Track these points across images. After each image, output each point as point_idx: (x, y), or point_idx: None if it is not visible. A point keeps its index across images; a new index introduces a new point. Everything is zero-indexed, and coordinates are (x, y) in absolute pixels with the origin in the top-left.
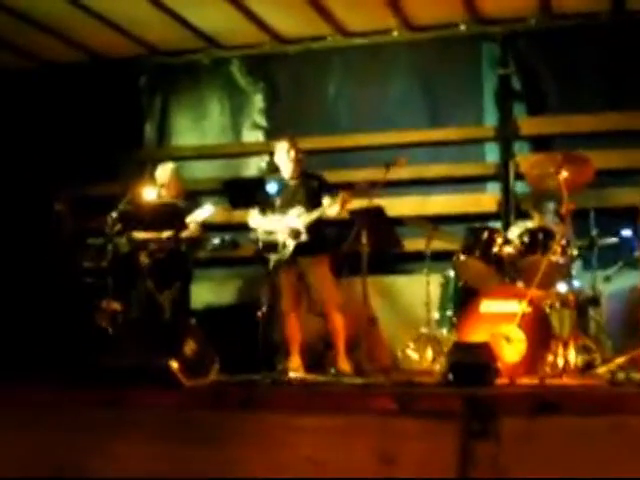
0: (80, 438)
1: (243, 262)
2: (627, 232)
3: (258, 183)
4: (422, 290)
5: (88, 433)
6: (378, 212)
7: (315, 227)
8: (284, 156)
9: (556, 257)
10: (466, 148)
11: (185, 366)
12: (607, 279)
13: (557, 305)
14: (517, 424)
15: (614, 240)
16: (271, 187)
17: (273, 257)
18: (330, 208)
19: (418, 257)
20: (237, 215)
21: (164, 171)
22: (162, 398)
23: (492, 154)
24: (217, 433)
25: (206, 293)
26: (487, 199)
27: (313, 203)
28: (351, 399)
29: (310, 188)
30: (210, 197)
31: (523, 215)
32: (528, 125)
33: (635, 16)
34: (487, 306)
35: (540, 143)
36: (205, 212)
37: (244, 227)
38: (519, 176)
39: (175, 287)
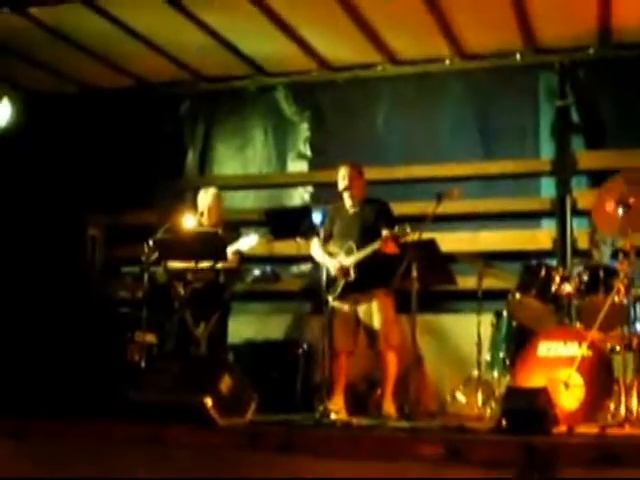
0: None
1: (284, 297)
2: None
3: (303, 212)
4: (472, 330)
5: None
6: (430, 245)
7: (372, 260)
8: (340, 182)
9: (620, 297)
10: (521, 182)
11: (220, 404)
12: None
13: (618, 349)
14: (578, 475)
15: None
16: (316, 217)
17: (326, 293)
18: (379, 246)
19: (468, 296)
20: (278, 246)
21: (206, 196)
22: (195, 437)
23: (548, 189)
24: (253, 476)
25: (245, 328)
26: (542, 235)
27: (369, 235)
28: (398, 444)
29: (367, 219)
30: (250, 228)
31: (579, 254)
32: (586, 159)
33: None
34: (545, 349)
35: (599, 178)
36: (251, 240)
37: (285, 259)
38: (576, 212)
39: (212, 320)
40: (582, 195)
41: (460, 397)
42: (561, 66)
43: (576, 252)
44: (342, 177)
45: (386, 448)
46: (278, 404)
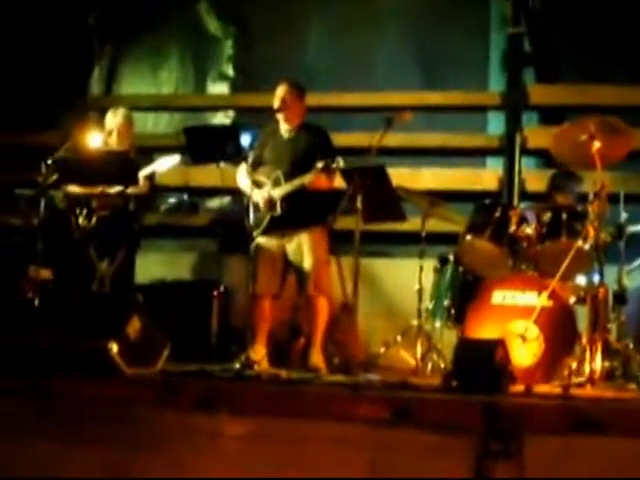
0: None
1: (198, 232)
2: None
3: (229, 132)
4: (409, 276)
5: (5, 430)
6: (379, 173)
7: (307, 193)
8: (275, 102)
9: (590, 242)
10: (466, 116)
11: (128, 350)
12: (628, 274)
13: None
14: (547, 445)
15: None
16: (245, 138)
17: (250, 228)
18: (309, 180)
19: (406, 238)
20: (195, 175)
21: (115, 116)
22: (98, 389)
23: (495, 125)
24: (166, 438)
25: (153, 267)
26: (487, 175)
27: (303, 165)
28: (336, 402)
29: (302, 147)
30: (162, 155)
31: (528, 196)
32: (538, 93)
33: None
34: (500, 297)
35: (551, 115)
36: (171, 160)
37: (202, 191)
38: (526, 151)
39: (119, 255)
40: (533, 132)
41: (397, 349)
42: None
43: (525, 194)
44: (278, 96)
45: (322, 406)
46: (191, 352)
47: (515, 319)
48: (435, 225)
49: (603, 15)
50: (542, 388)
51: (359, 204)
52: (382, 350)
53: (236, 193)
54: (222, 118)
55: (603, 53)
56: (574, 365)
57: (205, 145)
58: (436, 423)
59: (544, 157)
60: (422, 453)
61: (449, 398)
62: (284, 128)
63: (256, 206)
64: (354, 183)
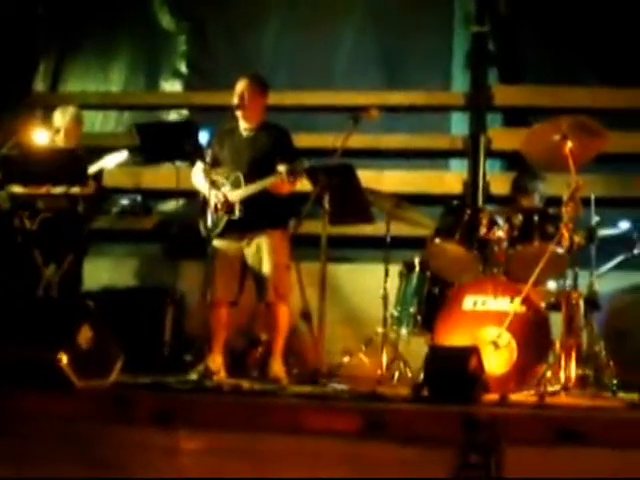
0: None
1: (149, 236)
2: (625, 224)
3: (186, 129)
4: (371, 282)
5: None
6: (347, 172)
7: (265, 197)
8: (235, 98)
9: (564, 245)
10: (429, 117)
11: (79, 361)
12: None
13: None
14: (528, 456)
15: (617, 232)
16: (203, 136)
17: (206, 231)
18: (271, 183)
19: (371, 242)
20: (147, 176)
21: (64, 114)
22: (46, 403)
23: (459, 126)
24: (120, 455)
25: (102, 271)
26: (450, 178)
27: (263, 167)
28: (305, 415)
29: (262, 147)
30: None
31: (492, 199)
32: (503, 94)
33: None
34: (471, 302)
35: (515, 117)
36: (119, 157)
37: (155, 193)
38: (490, 153)
39: (67, 259)
40: (497, 134)
41: (361, 357)
42: None
43: (489, 198)
44: (237, 92)
45: (290, 419)
46: (143, 363)
47: (487, 325)
48: (400, 229)
49: (570, 15)
50: (516, 396)
51: (326, 205)
52: (345, 359)
53: (191, 195)
54: (175, 117)
55: (570, 54)
56: (548, 373)
57: (160, 143)
58: (411, 435)
59: (508, 159)
60: (397, 467)
61: (423, 409)
62: (243, 126)
63: (213, 208)
64: (320, 183)
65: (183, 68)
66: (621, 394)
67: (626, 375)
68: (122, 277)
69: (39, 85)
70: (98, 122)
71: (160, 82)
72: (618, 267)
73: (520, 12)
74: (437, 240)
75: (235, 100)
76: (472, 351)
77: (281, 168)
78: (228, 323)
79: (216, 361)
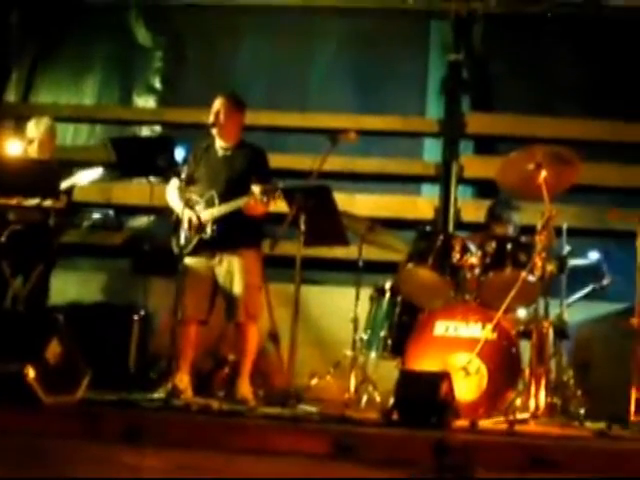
0: None
1: (120, 252)
2: (594, 255)
3: (162, 144)
4: (339, 305)
5: None
6: (324, 193)
7: (238, 217)
8: (211, 116)
9: (537, 273)
10: (402, 142)
11: (46, 376)
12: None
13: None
14: None
15: (588, 262)
16: (179, 152)
17: (177, 248)
18: (244, 204)
19: (342, 266)
20: (118, 191)
21: (38, 125)
22: (11, 419)
23: (432, 152)
24: (86, 473)
25: (69, 286)
26: (422, 203)
27: (238, 187)
28: (275, 436)
29: (238, 167)
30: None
31: (463, 226)
32: (476, 122)
33: (619, 14)
34: (442, 328)
35: (486, 145)
36: (93, 174)
37: (126, 209)
38: (462, 180)
39: (35, 272)
40: (469, 161)
41: (329, 380)
42: (457, 16)
43: (460, 224)
44: (214, 110)
45: (260, 440)
46: (108, 379)
47: (457, 351)
48: (372, 253)
49: (544, 46)
50: (485, 423)
51: (302, 226)
52: (313, 381)
53: (161, 211)
54: (147, 133)
55: (543, 84)
56: (518, 400)
57: (135, 158)
58: (381, 459)
59: (480, 186)
60: None
61: (393, 432)
62: (220, 145)
63: (186, 226)
64: (297, 204)
65: (157, 84)
66: (588, 423)
67: (592, 405)
68: (90, 292)
69: (11, 95)
70: (70, 135)
71: (133, 97)
72: (586, 297)
73: (495, 42)
74: (410, 265)
75: (211, 118)
76: (443, 376)
77: (255, 189)
78: (196, 342)
79: (183, 380)
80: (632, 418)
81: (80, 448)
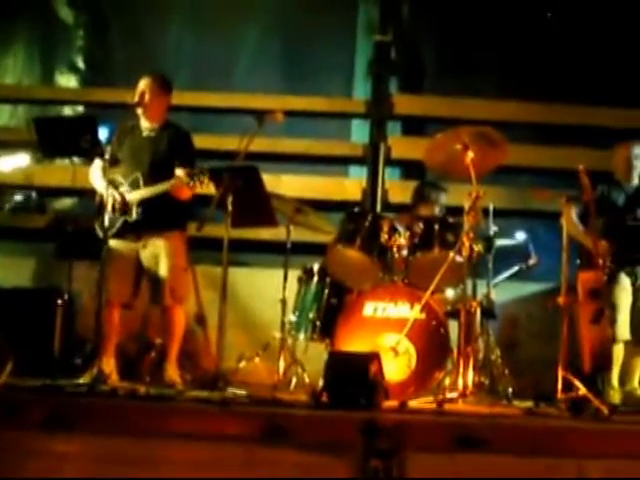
0: None
1: (43, 235)
2: (521, 235)
3: (85, 123)
4: (273, 287)
5: None
6: (251, 174)
7: (163, 199)
8: (136, 95)
9: (465, 253)
10: (330, 123)
11: None
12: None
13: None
14: (430, 462)
15: (515, 242)
16: (102, 132)
17: (101, 230)
18: (170, 187)
19: (269, 247)
20: (40, 173)
21: None
22: None
23: (359, 133)
24: (7, 461)
25: None
26: (350, 184)
27: (162, 168)
28: (203, 421)
29: (162, 148)
30: (5, 151)
31: (391, 207)
32: (404, 103)
33: None
34: (371, 309)
35: (414, 126)
36: (18, 160)
37: (48, 191)
38: (389, 161)
39: None
40: (397, 142)
41: (257, 363)
42: None
43: (387, 205)
44: (139, 90)
45: (189, 424)
46: (32, 365)
47: (386, 332)
48: (301, 234)
49: (472, 29)
50: (415, 403)
51: (229, 206)
52: (241, 364)
53: (85, 193)
54: (69, 113)
55: (471, 66)
56: (447, 380)
57: (58, 138)
58: (311, 441)
59: (407, 167)
60: (298, 472)
61: (323, 414)
62: (144, 125)
63: (110, 208)
64: (224, 184)
65: (80, 63)
66: (516, 402)
67: (519, 383)
68: (12, 276)
69: None
70: None
71: (56, 75)
72: (513, 277)
73: (422, 23)
74: (338, 246)
75: (136, 98)
76: (373, 357)
77: (179, 172)
78: (121, 326)
79: (109, 364)
80: (559, 396)
81: (1, 437)
